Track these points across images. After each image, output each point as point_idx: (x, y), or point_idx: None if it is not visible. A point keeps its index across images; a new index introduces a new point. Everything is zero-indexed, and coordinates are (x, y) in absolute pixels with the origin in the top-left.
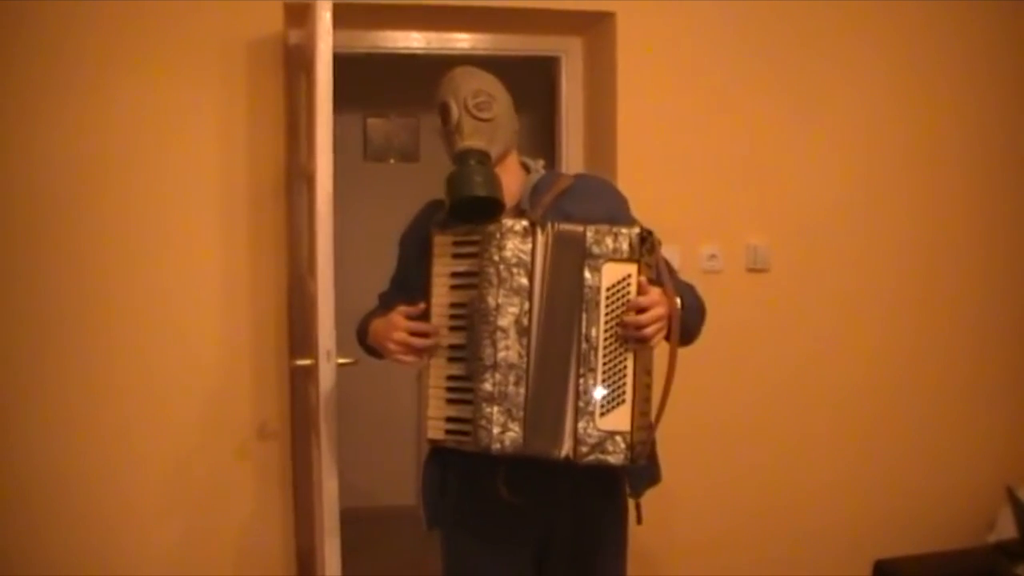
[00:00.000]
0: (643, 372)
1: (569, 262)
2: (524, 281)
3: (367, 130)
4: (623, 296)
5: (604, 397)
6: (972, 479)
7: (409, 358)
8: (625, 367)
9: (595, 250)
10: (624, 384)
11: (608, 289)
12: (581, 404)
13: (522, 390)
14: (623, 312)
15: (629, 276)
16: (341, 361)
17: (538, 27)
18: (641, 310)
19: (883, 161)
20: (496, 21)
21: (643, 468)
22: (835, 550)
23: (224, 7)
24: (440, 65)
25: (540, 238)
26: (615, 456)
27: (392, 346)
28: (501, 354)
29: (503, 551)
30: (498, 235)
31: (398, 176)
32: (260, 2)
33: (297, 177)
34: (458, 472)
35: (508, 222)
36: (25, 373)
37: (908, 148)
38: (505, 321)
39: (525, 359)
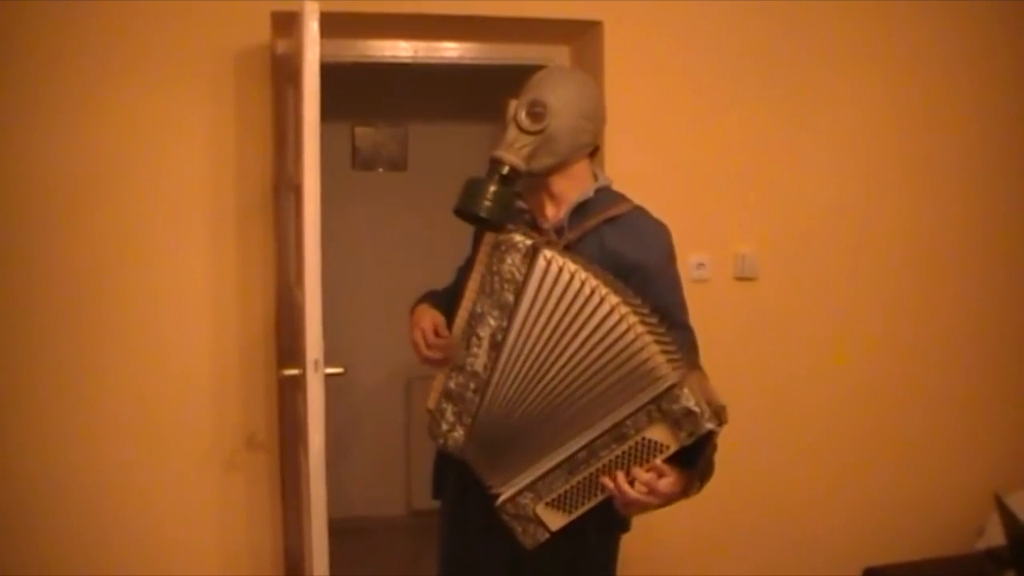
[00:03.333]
0: (602, 503)
1: (634, 391)
2: (509, 298)
3: (355, 139)
4: (646, 455)
5: (559, 497)
6: (961, 487)
7: (419, 357)
8: (596, 495)
9: (665, 405)
10: (582, 504)
11: (644, 439)
12: (540, 483)
13: (477, 399)
14: (630, 465)
15: (667, 448)
16: (329, 371)
17: (526, 36)
18: (642, 485)
19: (875, 167)
20: (484, 30)
21: (613, 517)
22: (825, 558)
23: (211, 17)
24: (428, 74)
25: (540, 263)
26: (525, 538)
27: (413, 339)
28: (470, 359)
29: (477, 554)
30: (503, 247)
31: (386, 185)
32: (247, 12)
33: (285, 187)
34: (453, 470)
35: (516, 237)
36: (15, 379)
37: (901, 153)
38: (483, 331)
39: (488, 372)
